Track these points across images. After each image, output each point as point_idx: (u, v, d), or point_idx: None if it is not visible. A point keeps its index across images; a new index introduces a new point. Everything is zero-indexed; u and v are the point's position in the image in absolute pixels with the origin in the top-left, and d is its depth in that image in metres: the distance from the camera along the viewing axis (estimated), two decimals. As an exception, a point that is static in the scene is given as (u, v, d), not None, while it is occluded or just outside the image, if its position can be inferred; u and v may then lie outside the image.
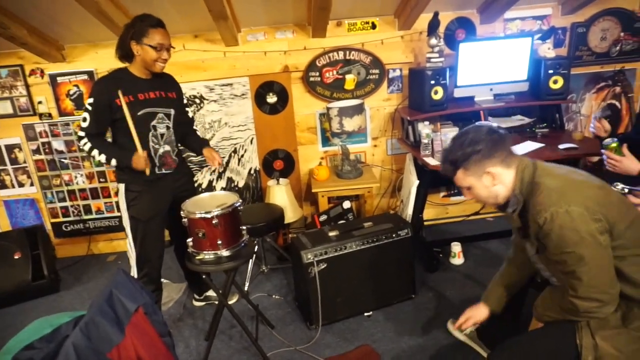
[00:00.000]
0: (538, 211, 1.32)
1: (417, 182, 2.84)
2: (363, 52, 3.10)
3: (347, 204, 3.12)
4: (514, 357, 1.46)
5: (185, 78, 3.08)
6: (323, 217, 3.05)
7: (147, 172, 2.12)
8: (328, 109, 2.99)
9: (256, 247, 2.94)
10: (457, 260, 2.95)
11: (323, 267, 2.32)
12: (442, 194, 3.55)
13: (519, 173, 1.43)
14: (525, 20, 3.18)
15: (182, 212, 2.04)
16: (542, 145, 2.70)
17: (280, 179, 3.19)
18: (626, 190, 1.77)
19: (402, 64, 3.18)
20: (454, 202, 3.58)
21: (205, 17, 2.59)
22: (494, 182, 1.45)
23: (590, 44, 3.26)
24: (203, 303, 2.75)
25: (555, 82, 2.87)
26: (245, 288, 2.84)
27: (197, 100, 3.17)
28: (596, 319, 1.36)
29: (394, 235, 2.43)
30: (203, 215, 1.97)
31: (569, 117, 3.39)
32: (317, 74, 3.12)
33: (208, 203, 2.07)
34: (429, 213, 3.51)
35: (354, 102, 3.04)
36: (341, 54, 3.09)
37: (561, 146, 2.63)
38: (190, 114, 2.43)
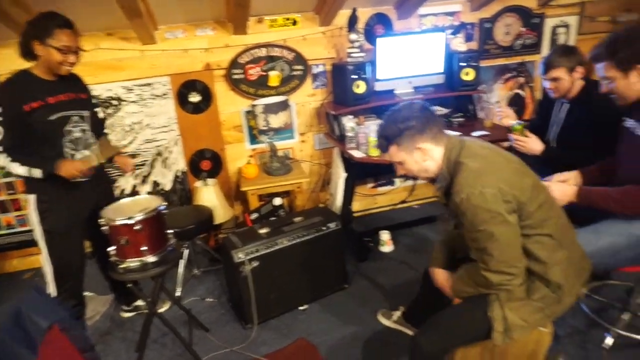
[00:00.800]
0: (457, 191, 1.41)
1: (344, 174, 2.90)
2: (286, 48, 3.11)
3: (277, 201, 3.12)
4: (435, 333, 1.55)
5: (100, 79, 2.92)
6: (254, 216, 3.03)
7: (81, 176, 1.97)
8: (253, 106, 2.97)
9: (186, 251, 2.87)
10: (387, 247, 3.06)
11: (255, 265, 2.31)
12: (370, 185, 3.66)
13: (447, 151, 1.52)
14: (438, 16, 3.35)
15: (101, 220, 1.94)
16: (459, 133, 2.85)
17: (208, 180, 3.12)
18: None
19: (325, 60, 3.22)
20: (382, 193, 3.70)
21: (118, 14, 2.47)
22: (424, 157, 1.52)
23: (496, 38, 3.50)
24: (133, 313, 2.64)
25: (467, 74, 3.05)
26: (178, 293, 2.76)
27: (115, 102, 3.01)
28: (505, 292, 1.46)
29: (324, 228, 2.47)
30: (125, 222, 1.89)
31: (481, 106, 3.62)
32: (241, 71, 3.08)
33: (130, 208, 1.98)
34: (358, 204, 3.61)
35: (279, 98, 3.04)
36: (264, 50, 3.08)
37: (474, 134, 2.81)
38: (101, 114, 2.29)
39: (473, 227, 1.40)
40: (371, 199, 3.69)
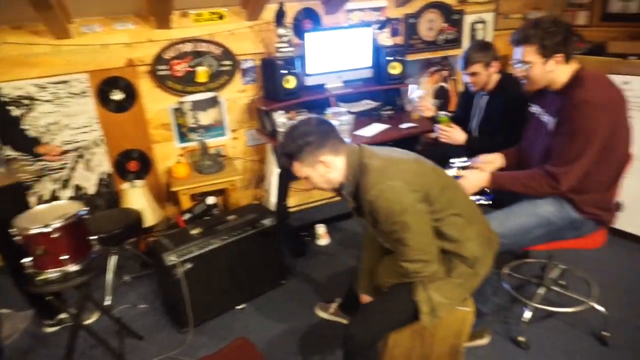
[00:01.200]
0: (367, 190, 1.45)
1: (277, 170, 2.89)
2: (213, 43, 3.03)
3: (211, 200, 3.05)
4: (365, 322, 1.59)
5: (8, 76, 2.68)
6: (187, 216, 2.94)
7: None
8: (181, 103, 2.87)
9: (114, 257, 2.73)
10: (323, 241, 3.10)
11: (188, 267, 2.24)
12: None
13: (348, 158, 1.56)
14: (365, 11, 3.41)
15: (14, 230, 1.79)
16: (388, 126, 2.95)
17: (136, 181, 2.98)
18: (467, 164, 2.04)
19: (254, 55, 3.18)
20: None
21: (25, 5, 2.27)
22: (327, 169, 1.55)
23: (420, 34, 3.63)
24: (57, 327, 2.46)
25: (394, 68, 3.14)
26: (107, 302, 2.61)
27: (26, 102, 2.78)
28: (427, 276, 1.54)
29: (258, 225, 2.45)
30: (40, 230, 1.76)
31: (409, 100, 3.74)
32: (166, 67, 2.96)
33: (46, 215, 1.85)
34: (294, 199, 3.61)
35: (208, 95, 2.96)
36: (190, 45, 2.98)
37: (403, 126, 2.91)
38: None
39: (388, 221, 1.45)
40: (307, 194, 3.71)
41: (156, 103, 3.06)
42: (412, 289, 1.55)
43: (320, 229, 3.09)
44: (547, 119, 1.86)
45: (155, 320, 2.49)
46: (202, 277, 2.30)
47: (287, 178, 2.98)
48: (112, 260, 2.70)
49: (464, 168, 2.08)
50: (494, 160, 2.10)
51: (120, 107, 2.97)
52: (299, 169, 1.57)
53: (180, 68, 2.99)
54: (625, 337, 2.14)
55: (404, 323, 1.60)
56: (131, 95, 2.96)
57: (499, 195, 2.03)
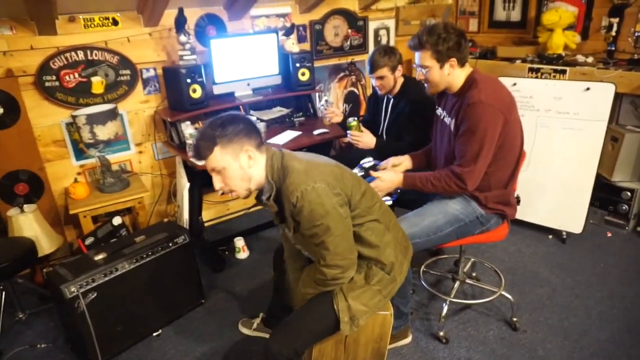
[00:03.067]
0: (291, 191, 1.40)
1: (187, 184, 2.74)
2: (108, 51, 2.80)
3: (117, 220, 2.81)
4: (285, 336, 1.54)
5: None
6: (89, 240, 2.68)
7: None
8: (74, 117, 2.61)
9: (2, 293, 2.40)
10: (242, 254, 2.99)
11: (92, 297, 2.03)
12: (220, 192, 3.53)
13: (269, 160, 1.50)
14: (270, 18, 3.36)
15: None
16: (300, 132, 2.93)
17: (25, 206, 2.65)
18: (372, 163, 2.09)
19: (155, 63, 2.99)
20: (234, 198, 3.61)
21: None
22: (249, 162, 1.46)
23: (327, 39, 3.67)
24: None
25: (302, 74, 3.13)
26: (-4, 347, 2.29)
27: None
28: (343, 284, 1.52)
29: (170, 245, 2.29)
30: None
31: (317, 108, 3.77)
32: (54, 77, 2.67)
33: None
34: (209, 213, 3.46)
35: (105, 107, 2.72)
36: (81, 53, 2.72)
37: (315, 132, 2.90)
38: None
39: (310, 224, 1.41)
40: (223, 206, 3.58)
41: (45, 118, 2.75)
42: (331, 298, 1.52)
43: (239, 242, 2.98)
44: (448, 121, 1.95)
45: (59, 360, 2.23)
46: (110, 307, 2.10)
47: (199, 191, 2.84)
48: (0, 298, 2.37)
49: (371, 168, 2.14)
50: (401, 163, 2.18)
51: (1, 123, 2.62)
52: (219, 156, 1.42)
53: (72, 78, 2.72)
54: (530, 319, 2.30)
55: (325, 334, 1.57)
56: (14, 109, 2.63)
57: (403, 196, 2.10)
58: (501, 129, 1.79)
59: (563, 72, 3.01)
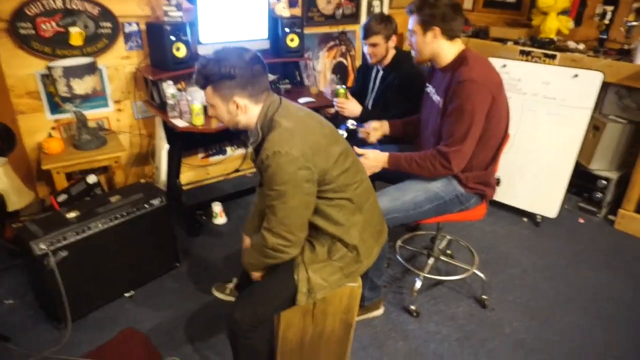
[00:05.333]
0: (265, 147, 1.38)
1: (167, 146, 2.67)
2: (88, 1, 2.65)
3: (92, 178, 2.73)
4: (246, 305, 1.53)
5: None
6: (62, 197, 2.60)
7: None
8: (49, 69, 2.49)
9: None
10: (220, 219, 2.97)
11: (63, 255, 1.99)
12: (200, 155, 3.47)
13: (265, 108, 1.46)
14: (262, -21, 3.24)
15: None
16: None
17: (-4, 158, 2.56)
18: (355, 126, 2.09)
19: (138, 18, 2.86)
20: (214, 163, 3.55)
21: None
22: (237, 111, 1.45)
23: (319, 6, 3.57)
24: None
25: (292, 40, 3.05)
26: (-39, 300, 2.25)
27: None
28: (283, 259, 1.49)
29: (146, 206, 2.25)
30: None
31: (308, 74, 3.70)
32: (30, 25, 2.53)
33: None
34: (188, 176, 3.40)
35: (83, 60, 2.60)
36: (59, 1, 2.57)
37: (301, 100, 2.85)
38: None
39: (270, 184, 1.39)
40: (202, 170, 3.52)
41: (19, 68, 2.62)
42: (293, 268, 1.51)
43: (217, 207, 2.95)
44: (437, 99, 1.92)
45: (27, 317, 2.20)
46: (81, 266, 2.07)
47: (178, 154, 2.79)
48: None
49: (352, 130, 2.24)
50: (379, 127, 2.21)
51: (-29, 70, 2.50)
52: (211, 95, 1.45)
53: (48, 27, 2.58)
54: (499, 298, 2.36)
55: (286, 304, 1.55)
56: (-15, 56, 2.50)
57: (385, 171, 2.09)
58: (488, 109, 1.78)
59: (553, 57, 3.00)
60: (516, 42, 3.29)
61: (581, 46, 3.06)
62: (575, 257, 2.71)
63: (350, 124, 2.12)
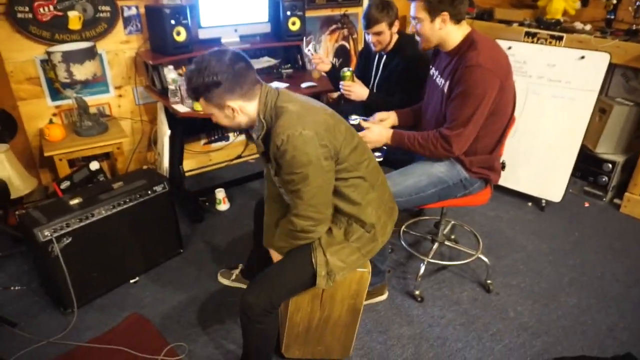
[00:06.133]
0: (278, 133, 1.36)
1: (169, 132, 2.65)
2: (86, -16, 2.62)
3: (94, 165, 2.73)
4: (262, 288, 1.53)
5: None
6: (65, 184, 2.60)
7: None
8: (49, 54, 2.46)
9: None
10: (223, 206, 2.96)
11: (67, 242, 1.99)
12: (202, 141, 3.45)
13: (263, 99, 1.45)
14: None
15: None
16: (288, 85, 2.84)
17: (-2, 145, 2.55)
18: (358, 121, 2.04)
19: (137, 1, 2.81)
20: (216, 149, 3.54)
21: None
22: (234, 114, 1.44)
23: (321, -12, 3.51)
24: None
25: (293, 23, 3.00)
26: (-32, 287, 2.26)
27: None
28: (326, 237, 1.51)
29: (149, 192, 2.24)
30: None
31: (309, 58, 3.65)
32: (27, 9, 2.50)
33: None
34: (190, 163, 3.39)
35: (83, 45, 2.58)
36: (57, -15, 2.54)
37: (303, 85, 2.82)
38: None
39: (290, 169, 1.38)
40: (205, 156, 3.51)
41: (18, 53, 2.60)
42: (310, 252, 1.51)
43: (220, 193, 2.94)
44: (441, 82, 1.89)
45: (33, 303, 2.21)
46: (86, 252, 2.07)
47: (180, 140, 2.77)
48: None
49: (357, 125, 2.09)
50: (387, 118, 2.15)
51: (-31, 56, 2.47)
52: (205, 106, 1.45)
53: (46, 11, 2.55)
54: (503, 282, 2.36)
55: (301, 287, 1.56)
56: (-17, 41, 2.47)
57: (389, 155, 2.07)
58: (496, 94, 1.74)
59: (560, 38, 2.95)
60: (521, 24, 3.23)
61: (588, 27, 3.01)
62: (580, 241, 2.70)
63: (352, 119, 2.03)
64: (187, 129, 2.92)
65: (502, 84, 1.74)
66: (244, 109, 1.43)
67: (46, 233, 1.93)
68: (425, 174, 1.92)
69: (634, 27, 2.89)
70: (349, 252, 1.54)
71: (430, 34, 1.82)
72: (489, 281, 2.30)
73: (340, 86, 2.51)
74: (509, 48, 2.90)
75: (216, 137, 3.49)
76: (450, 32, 1.80)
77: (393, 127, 2.17)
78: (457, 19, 1.77)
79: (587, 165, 3.07)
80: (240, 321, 1.59)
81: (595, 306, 2.21)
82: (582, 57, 2.67)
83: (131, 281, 2.33)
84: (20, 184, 2.55)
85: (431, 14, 1.76)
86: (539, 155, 2.93)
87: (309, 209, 1.43)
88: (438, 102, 1.90)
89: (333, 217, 1.54)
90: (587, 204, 3.08)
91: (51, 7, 2.56)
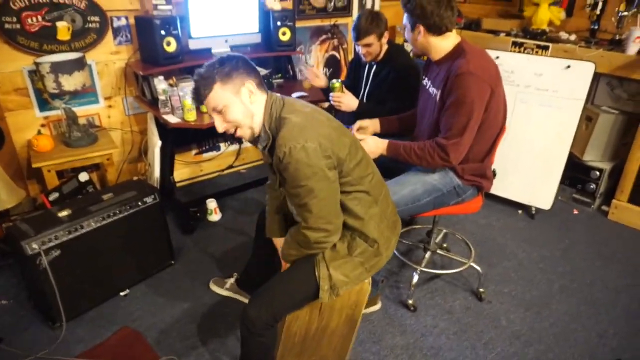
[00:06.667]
0: (279, 145, 1.36)
1: (159, 143, 2.64)
2: (75, -6, 2.61)
3: (84, 176, 2.70)
4: (264, 302, 1.52)
5: None
6: (54, 196, 2.57)
7: None
8: (37, 64, 2.44)
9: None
10: (215, 216, 2.94)
11: (56, 254, 1.96)
12: (194, 151, 3.44)
13: (268, 106, 1.45)
14: (252, -29, 3.19)
15: None
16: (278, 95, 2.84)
17: (-16, 157, 2.51)
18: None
19: (127, 12, 2.81)
20: (207, 159, 3.52)
21: None
22: (251, 98, 1.43)
23: (310, -1, 3.54)
24: None
25: (283, 33, 3.01)
26: (-47, 302, 2.21)
27: None
28: (326, 250, 1.50)
29: (140, 204, 2.22)
30: None
31: (300, 68, 3.66)
32: (15, 19, 2.47)
33: None
34: (182, 173, 3.37)
35: (71, 55, 2.55)
36: (46, -5, 2.53)
37: (294, 95, 2.82)
38: None
39: (294, 182, 1.37)
40: (196, 167, 3.49)
41: (5, 63, 2.56)
42: (313, 265, 1.50)
43: (211, 203, 2.93)
44: (433, 92, 1.91)
45: (21, 317, 2.17)
46: (74, 265, 2.04)
47: (171, 150, 2.75)
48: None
49: None
50: (367, 127, 2.18)
51: (-44, 67, 2.44)
52: (220, 94, 1.39)
53: (34, 21, 2.53)
54: (495, 290, 2.37)
55: (304, 301, 1.55)
56: (-30, 52, 2.44)
57: (382, 165, 2.08)
58: (486, 102, 1.77)
59: (546, 48, 3.00)
60: (508, 34, 3.29)
61: (573, 37, 3.07)
62: (570, 249, 2.73)
63: None
64: (178, 140, 2.91)
65: (493, 90, 1.76)
66: (258, 94, 1.44)
67: (34, 246, 1.90)
68: (419, 182, 1.93)
69: (617, 37, 2.96)
70: (352, 266, 1.52)
71: (412, 42, 1.89)
72: (481, 289, 2.31)
73: (330, 97, 2.53)
74: (497, 58, 2.93)
75: (207, 147, 3.48)
76: (431, 44, 1.83)
77: (384, 136, 2.19)
78: (435, 32, 1.79)
79: (575, 172, 3.11)
80: (240, 333, 1.58)
81: (586, 313, 2.23)
82: (568, 67, 2.72)
83: (122, 294, 2.30)
84: (7, 196, 2.50)
85: (410, 24, 1.83)
86: (528, 163, 2.97)
87: (319, 221, 1.41)
88: (431, 111, 1.92)
89: None
90: (576, 211, 3.12)
91: (39, 18, 2.54)
